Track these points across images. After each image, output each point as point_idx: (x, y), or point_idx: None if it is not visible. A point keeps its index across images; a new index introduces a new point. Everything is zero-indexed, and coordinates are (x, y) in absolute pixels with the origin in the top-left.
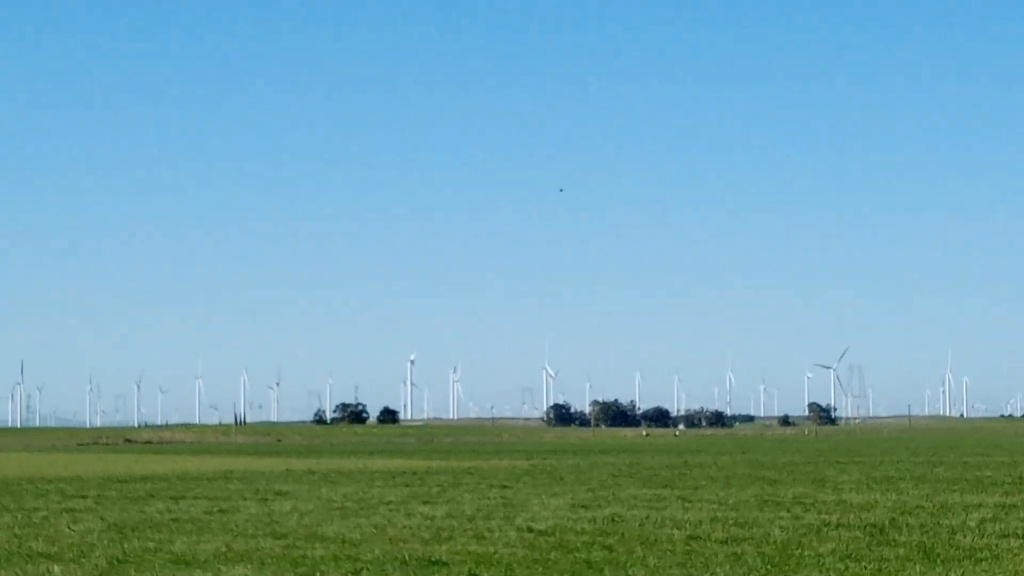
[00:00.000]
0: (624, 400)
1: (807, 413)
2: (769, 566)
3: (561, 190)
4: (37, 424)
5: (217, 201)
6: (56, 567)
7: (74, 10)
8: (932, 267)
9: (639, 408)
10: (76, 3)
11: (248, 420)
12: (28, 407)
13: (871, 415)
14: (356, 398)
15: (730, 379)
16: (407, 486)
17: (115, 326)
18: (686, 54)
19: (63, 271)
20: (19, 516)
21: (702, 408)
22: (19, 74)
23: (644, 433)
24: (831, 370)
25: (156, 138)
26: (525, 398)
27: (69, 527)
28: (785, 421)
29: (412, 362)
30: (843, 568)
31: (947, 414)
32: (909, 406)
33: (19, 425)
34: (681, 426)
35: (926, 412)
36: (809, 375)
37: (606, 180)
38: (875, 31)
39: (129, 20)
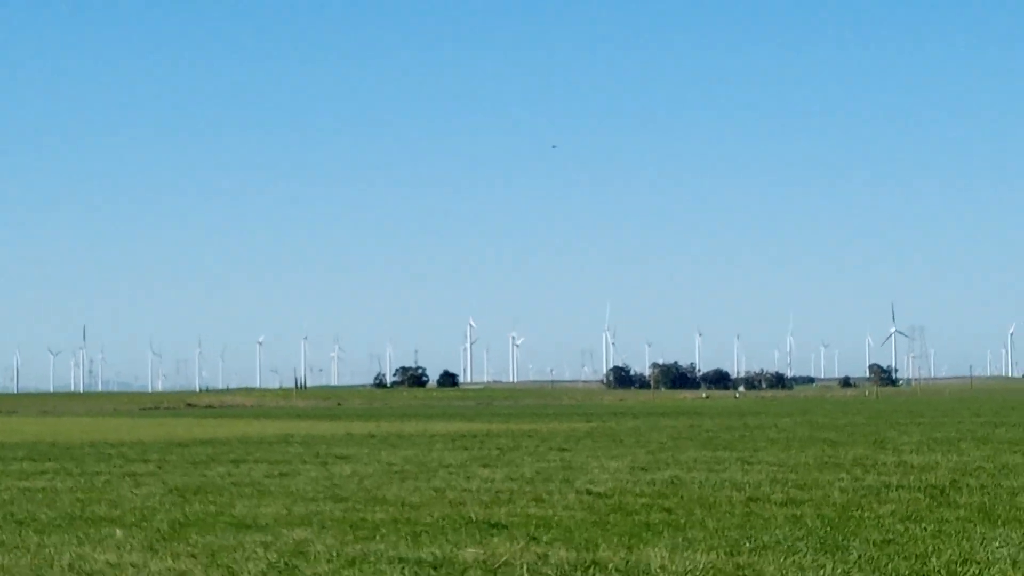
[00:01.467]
0: (684, 362)
1: (868, 374)
2: (828, 528)
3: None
4: (99, 388)
5: (277, 166)
6: (118, 531)
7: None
8: (993, 226)
9: (699, 370)
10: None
11: (308, 384)
12: (91, 371)
13: (932, 376)
14: (416, 361)
15: (790, 341)
16: (466, 449)
17: (176, 291)
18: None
19: (124, 236)
20: (82, 480)
21: (762, 370)
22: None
23: (704, 395)
24: (892, 331)
25: (219, 103)
26: (585, 361)
27: (131, 491)
28: (846, 383)
29: (472, 326)
30: (903, 530)
31: (1009, 374)
32: (971, 366)
33: (81, 390)
34: (741, 388)
35: (988, 372)
36: (870, 336)
37: (664, 142)
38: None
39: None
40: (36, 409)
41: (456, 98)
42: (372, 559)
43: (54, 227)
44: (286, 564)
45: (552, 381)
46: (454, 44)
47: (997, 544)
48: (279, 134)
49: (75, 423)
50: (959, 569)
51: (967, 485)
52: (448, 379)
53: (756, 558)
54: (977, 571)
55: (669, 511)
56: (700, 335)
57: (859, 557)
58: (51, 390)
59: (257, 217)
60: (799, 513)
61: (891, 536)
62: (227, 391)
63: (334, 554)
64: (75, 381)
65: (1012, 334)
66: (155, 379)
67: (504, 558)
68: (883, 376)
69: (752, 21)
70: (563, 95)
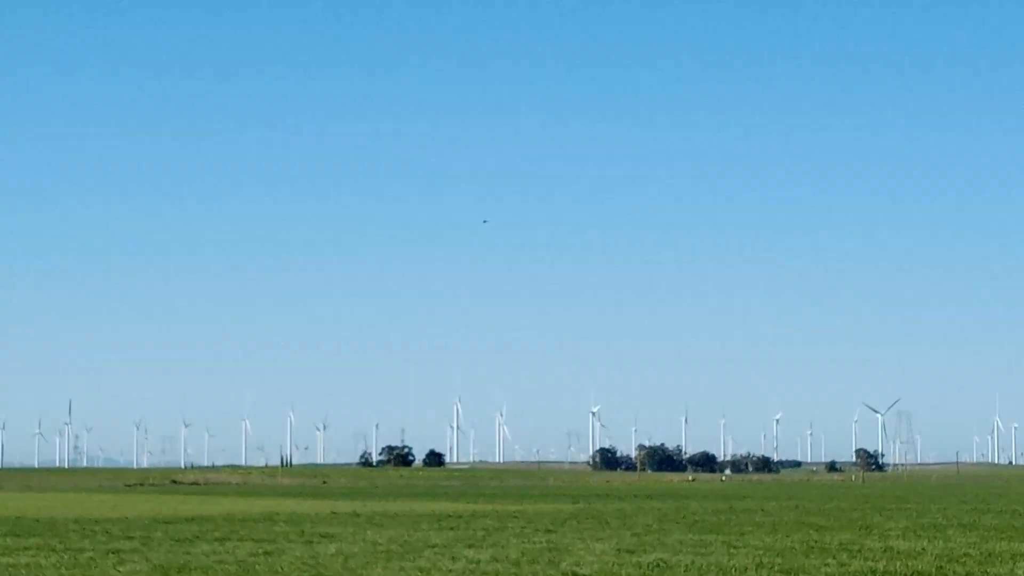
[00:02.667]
0: (670, 445)
1: (854, 459)
2: None
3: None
4: (84, 464)
5: (265, 244)
6: None
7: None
8: (981, 314)
9: (685, 453)
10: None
11: (294, 462)
12: (76, 447)
13: (919, 461)
14: (402, 441)
15: (776, 424)
16: (452, 529)
17: (162, 367)
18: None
19: (110, 312)
20: (66, 557)
21: (748, 453)
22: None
23: (690, 478)
24: (879, 416)
25: (202, 177)
26: (571, 442)
27: (115, 568)
28: (832, 467)
29: (458, 405)
30: None
31: (996, 461)
32: (957, 452)
33: (67, 465)
34: (728, 471)
35: (975, 459)
36: (856, 420)
37: (652, 224)
38: None
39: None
40: (20, 484)
41: (438, 181)
42: None
43: (40, 302)
44: None
45: (538, 462)
46: (449, 117)
47: None
48: (264, 210)
49: (59, 499)
50: None
51: (953, 572)
52: (434, 458)
53: None
54: None
55: None
56: (686, 418)
57: None
58: (36, 465)
59: (245, 294)
60: None
61: None
62: (213, 468)
63: None
64: (60, 456)
65: (998, 421)
66: (140, 455)
67: None
68: (869, 461)
69: (748, 87)
70: (552, 178)
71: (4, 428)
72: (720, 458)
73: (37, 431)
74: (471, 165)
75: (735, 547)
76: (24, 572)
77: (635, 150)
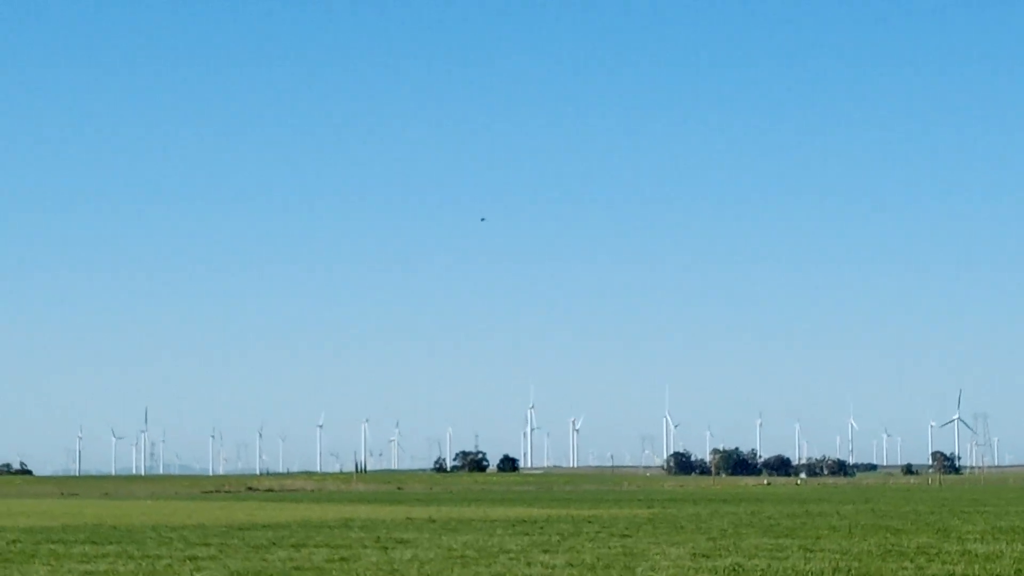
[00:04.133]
0: (745, 448)
1: (931, 462)
2: None
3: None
4: (161, 471)
5: (341, 252)
6: None
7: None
8: None
9: (760, 456)
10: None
11: (369, 468)
12: (152, 455)
13: (996, 464)
14: (476, 446)
15: (852, 427)
16: (527, 535)
17: (237, 375)
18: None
19: (187, 320)
20: (143, 564)
21: (824, 457)
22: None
23: (765, 482)
24: (955, 418)
25: (277, 188)
26: (645, 446)
27: (192, 575)
28: (908, 470)
29: (532, 410)
30: None
31: None
32: None
33: (143, 473)
34: (803, 475)
35: None
36: (932, 423)
37: (728, 227)
38: None
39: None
40: (98, 492)
41: (505, 190)
42: None
43: (118, 311)
44: None
45: (612, 466)
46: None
47: None
48: (343, 220)
49: (136, 506)
50: None
51: None
52: (508, 464)
53: None
54: None
55: None
56: (761, 421)
57: None
58: (113, 473)
59: (320, 303)
60: None
61: None
62: (287, 475)
63: None
64: (136, 464)
65: None
66: (216, 462)
67: None
68: (946, 463)
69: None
70: (620, 176)
71: (82, 436)
72: (795, 462)
73: (114, 439)
74: (535, 174)
75: (811, 551)
76: None
77: (705, 147)
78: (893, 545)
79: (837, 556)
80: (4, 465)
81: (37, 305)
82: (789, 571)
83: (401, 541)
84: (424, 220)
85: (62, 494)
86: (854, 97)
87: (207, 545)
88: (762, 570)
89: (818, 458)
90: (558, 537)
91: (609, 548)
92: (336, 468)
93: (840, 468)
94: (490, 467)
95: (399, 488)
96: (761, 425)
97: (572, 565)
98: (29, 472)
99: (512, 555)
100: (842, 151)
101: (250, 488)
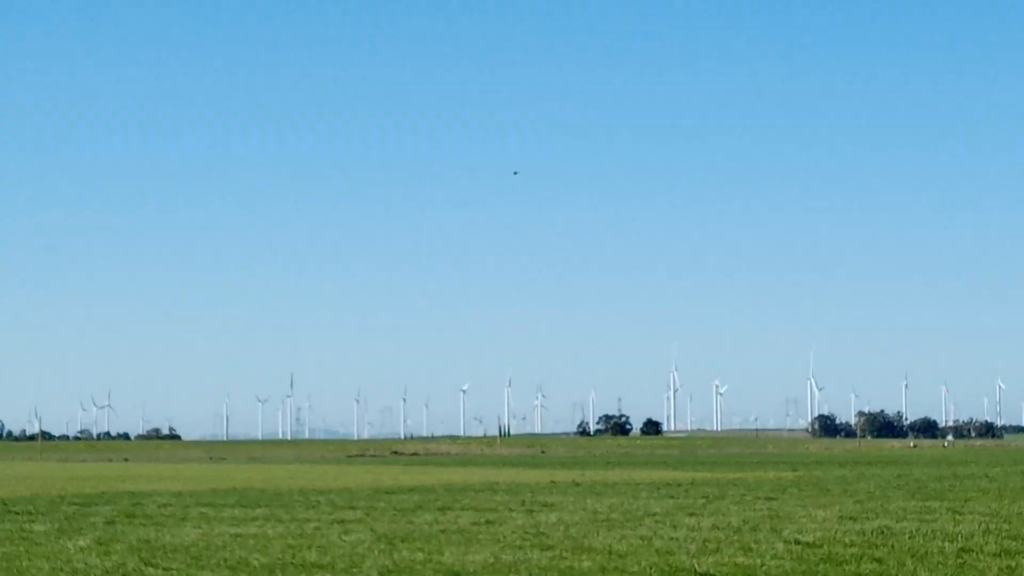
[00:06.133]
0: (890, 411)
1: None
2: None
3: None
4: (306, 436)
5: (481, 219)
6: None
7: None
8: None
9: (906, 419)
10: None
11: (512, 432)
12: (298, 419)
13: None
14: (619, 409)
15: (1000, 388)
16: (672, 497)
17: (381, 339)
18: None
19: (331, 285)
20: (292, 527)
21: (971, 419)
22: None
23: (911, 444)
24: None
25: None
26: (789, 409)
27: (340, 538)
28: None
29: (675, 373)
30: None
31: None
32: None
33: (289, 437)
34: (950, 437)
35: None
36: None
37: (871, 188)
38: None
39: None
40: (245, 456)
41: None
42: None
43: (266, 275)
44: None
45: (756, 429)
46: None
47: None
48: (477, 188)
49: (283, 470)
50: None
51: None
52: (651, 427)
53: None
54: None
55: (879, 561)
56: (907, 383)
57: None
58: (259, 437)
59: (462, 266)
60: (1014, 565)
61: None
62: (431, 439)
63: None
64: (282, 428)
65: None
66: (360, 427)
67: None
68: None
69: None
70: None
71: (228, 401)
72: (942, 424)
73: (260, 404)
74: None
75: (960, 513)
76: (252, 542)
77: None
78: None
79: (986, 518)
80: (154, 430)
81: (185, 274)
82: (938, 533)
83: (546, 504)
84: (566, 185)
85: (210, 458)
86: None
87: (354, 508)
88: (911, 532)
89: (965, 420)
90: (703, 500)
91: (755, 511)
92: (480, 432)
93: (988, 430)
94: (633, 430)
95: (542, 452)
96: (907, 387)
97: (718, 528)
98: (178, 437)
99: (657, 518)
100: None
101: (395, 452)
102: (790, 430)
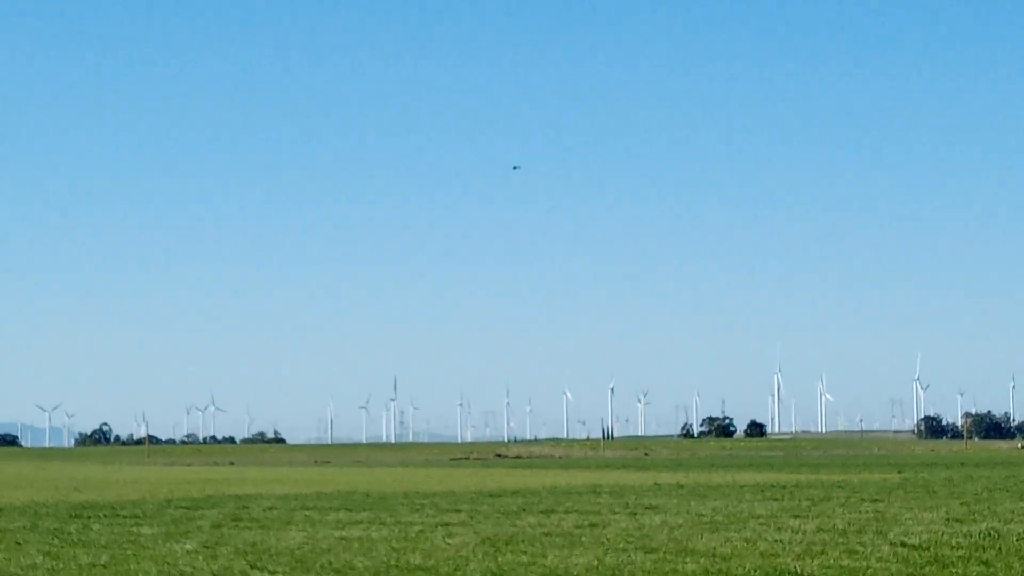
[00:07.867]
0: (998, 412)
1: None
2: None
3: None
4: (410, 439)
5: (589, 221)
6: None
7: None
8: None
9: (1014, 420)
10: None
11: (615, 434)
12: (402, 423)
13: None
14: (723, 412)
15: None
16: (776, 500)
17: (484, 343)
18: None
19: (435, 289)
20: (396, 530)
21: None
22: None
23: (1020, 445)
24: None
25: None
26: (895, 411)
27: (444, 541)
28: None
29: (779, 375)
30: None
31: None
32: None
33: (393, 440)
34: None
35: None
36: None
37: (983, 183)
38: None
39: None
40: (349, 459)
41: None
42: None
43: (370, 281)
44: None
45: (861, 431)
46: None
47: None
48: (576, 191)
49: (387, 473)
50: None
51: None
52: (755, 429)
53: None
54: None
55: (987, 564)
56: (1014, 384)
57: None
58: (363, 441)
59: (566, 272)
60: None
61: None
62: (535, 442)
63: None
64: (386, 432)
65: None
66: (464, 430)
67: None
68: None
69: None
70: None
71: (332, 405)
72: None
73: (364, 407)
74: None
75: None
76: (356, 545)
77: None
78: None
79: None
80: (259, 434)
81: (291, 280)
82: None
83: (650, 507)
84: (660, 187)
85: (315, 462)
86: None
87: (458, 511)
88: (1019, 535)
89: None
90: (808, 502)
91: (860, 513)
92: (583, 435)
93: None
94: (737, 432)
95: (646, 454)
96: (1014, 388)
97: (823, 530)
98: (283, 441)
99: (762, 520)
100: None
101: (498, 455)
102: (895, 432)
